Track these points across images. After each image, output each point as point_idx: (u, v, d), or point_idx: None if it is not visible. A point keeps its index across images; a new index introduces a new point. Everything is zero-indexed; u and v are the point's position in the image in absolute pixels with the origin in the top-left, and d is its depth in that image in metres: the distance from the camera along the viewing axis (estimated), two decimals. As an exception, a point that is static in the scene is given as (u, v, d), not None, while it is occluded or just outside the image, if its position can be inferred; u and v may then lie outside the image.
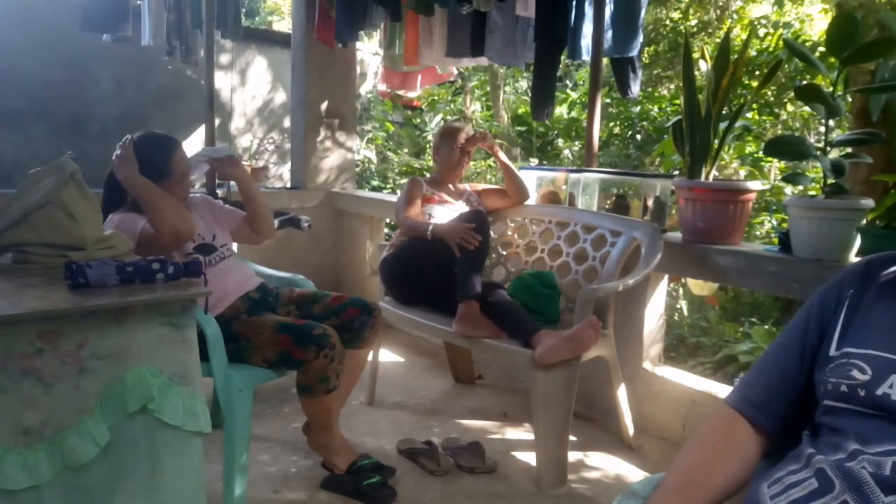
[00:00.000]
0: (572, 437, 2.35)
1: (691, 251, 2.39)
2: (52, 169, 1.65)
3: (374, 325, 2.17)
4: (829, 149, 2.10)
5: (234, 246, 2.33)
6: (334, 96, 4.39)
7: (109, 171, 2.08)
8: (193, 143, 6.88)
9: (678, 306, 4.32)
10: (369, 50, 7.94)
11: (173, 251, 2.01)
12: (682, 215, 2.47)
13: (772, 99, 5.38)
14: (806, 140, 2.17)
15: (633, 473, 2.31)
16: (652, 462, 2.39)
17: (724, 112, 2.42)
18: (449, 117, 8.17)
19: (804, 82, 4.21)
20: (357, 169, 6.20)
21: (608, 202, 2.86)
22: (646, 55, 6.66)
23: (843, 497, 0.80)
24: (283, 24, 11.66)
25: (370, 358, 2.83)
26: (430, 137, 7.75)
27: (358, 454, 2.15)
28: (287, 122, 6.95)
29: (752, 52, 5.22)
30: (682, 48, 2.54)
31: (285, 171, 7.10)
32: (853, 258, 2.04)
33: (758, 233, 4.46)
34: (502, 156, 2.85)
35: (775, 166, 4.99)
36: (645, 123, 6.32)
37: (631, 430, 2.49)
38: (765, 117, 5.39)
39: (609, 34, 3.19)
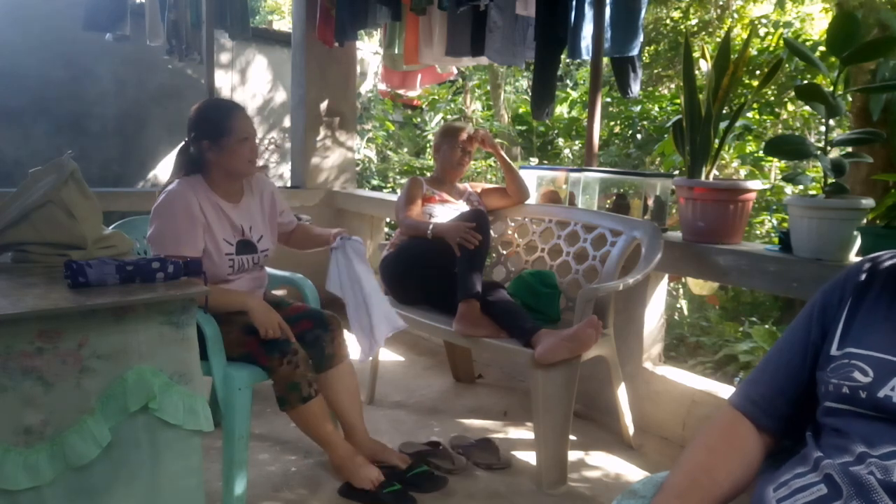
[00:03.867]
0: (572, 437, 2.35)
1: (691, 251, 2.39)
2: (52, 168, 1.65)
3: (333, 340, 2.13)
4: (829, 148, 2.10)
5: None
6: (334, 95, 4.39)
7: (183, 146, 2.10)
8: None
9: (678, 306, 4.32)
10: (369, 49, 7.95)
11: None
12: (682, 215, 2.47)
13: (772, 98, 5.38)
14: (806, 139, 2.17)
15: (633, 473, 2.31)
16: (652, 461, 2.39)
17: (724, 111, 2.42)
18: (449, 116, 8.16)
19: (804, 82, 4.21)
20: (357, 168, 6.20)
21: (608, 201, 2.86)
22: (646, 54, 6.66)
23: (850, 503, 0.80)
24: (284, 24, 11.67)
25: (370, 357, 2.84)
26: (430, 137, 7.75)
27: (380, 474, 2.06)
28: (287, 121, 6.96)
29: (753, 52, 5.22)
30: (683, 47, 2.54)
31: (286, 170, 7.11)
32: (853, 258, 2.04)
33: (758, 232, 4.46)
34: (503, 155, 2.85)
35: (776, 166, 4.99)
36: (645, 123, 6.32)
37: (631, 430, 2.49)
38: (765, 117, 5.38)
39: (609, 33, 3.19)
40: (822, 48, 4.22)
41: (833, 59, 2.14)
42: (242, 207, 2.10)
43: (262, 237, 2.15)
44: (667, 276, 2.68)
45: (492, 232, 2.70)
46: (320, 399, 2.01)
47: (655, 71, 6.95)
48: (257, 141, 2.11)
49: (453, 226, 2.44)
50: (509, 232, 2.94)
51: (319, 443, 2.07)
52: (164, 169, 6.80)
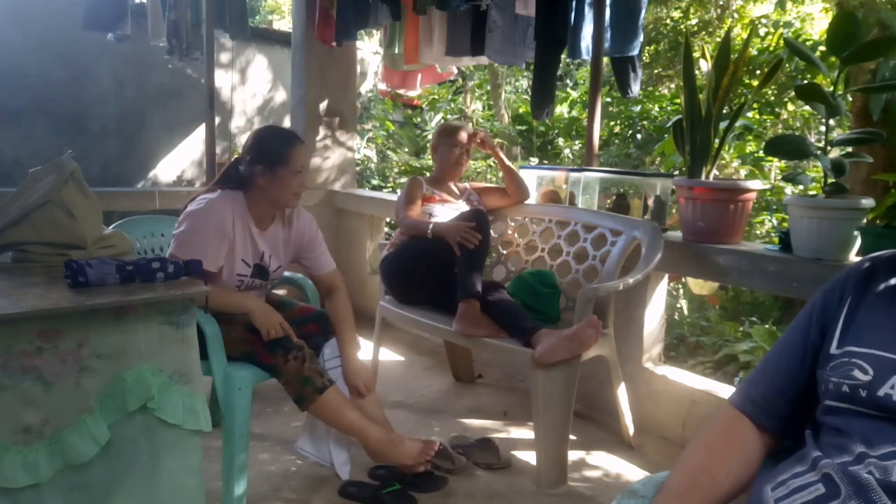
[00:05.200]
0: (572, 437, 2.35)
1: (691, 250, 2.39)
2: (52, 168, 1.65)
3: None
4: (829, 148, 2.10)
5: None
6: (334, 95, 4.38)
7: (234, 161, 2.10)
8: (194, 142, 6.88)
9: (678, 305, 4.32)
10: (369, 49, 7.95)
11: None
12: (682, 214, 2.47)
13: (772, 98, 5.39)
14: (806, 139, 2.17)
15: (633, 473, 2.31)
16: (652, 461, 2.39)
17: (724, 111, 2.42)
18: (449, 116, 8.16)
19: (805, 81, 4.21)
20: (357, 168, 6.20)
21: (608, 201, 2.86)
22: (646, 54, 6.66)
23: (849, 503, 0.80)
24: (284, 24, 11.67)
25: (371, 357, 2.84)
26: (430, 137, 7.74)
27: (430, 452, 2.06)
28: (287, 121, 6.96)
29: (753, 52, 5.22)
30: (683, 47, 2.54)
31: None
32: (853, 258, 2.04)
33: (758, 232, 4.47)
34: (502, 156, 2.85)
35: (776, 166, 5.00)
36: (645, 123, 6.33)
37: (631, 430, 2.49)
38: (765, 116, 5.39)
39: (609, 33, 3.19)
40: (822, 48, 4.22)
41: (833, 58, 2.14)
42: (269, 234, 2.11)
43: (279, 267, 2.16)
44: (667, 276, 2.68)
45: (492, 232, 2.69)
46: (336, 387, 2.00)
47: (655, 71, 6.95)
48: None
49: (453, 225, 2.43)
50: (509, 232, 2.93)
51: (348, 432, 2.04)
52: (164, 168, 6.80)
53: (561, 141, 7.38)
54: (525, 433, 2.57)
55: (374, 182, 7.71)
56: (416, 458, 2.04)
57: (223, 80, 7.03)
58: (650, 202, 2.74)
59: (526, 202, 2.92)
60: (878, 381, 0.86)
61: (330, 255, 2.28)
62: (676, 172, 3.55)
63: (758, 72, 5.18)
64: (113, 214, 2.60)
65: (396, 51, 4.26)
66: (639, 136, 6.42)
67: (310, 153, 4.35)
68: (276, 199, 2.05)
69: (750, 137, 4.90)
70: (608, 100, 6.42)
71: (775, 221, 4.30)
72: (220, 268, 1.99)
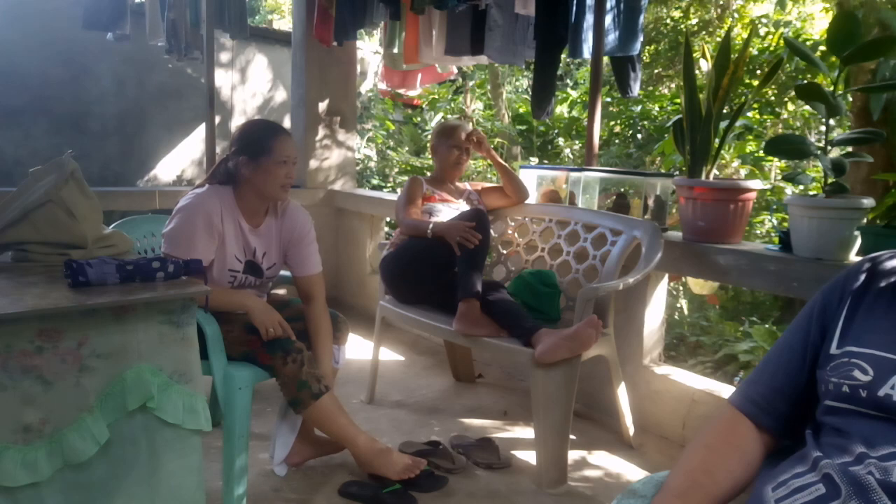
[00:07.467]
0: (572, 436, 2.35)
1: (692, 250, 2.39)
2: (53, 167, 1.65)
3: (338, 340, 2.17)
4: (829, 148, 2.10)
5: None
6: (334, 95, 4.39)
7: (223, 157, 2.09)
8: (194, 141, 6.89)
9: (678, 305, 4.32)
10: (370, 48, 7.95)
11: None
12: (682, 214, 2.47)
13: (772, 98, 5.38)
14: (806, 139, 2.17)
15: (634, 472, 2.30)
16: (652, 461, 2.39)
17: (724, 111, 2.42)
18: (450, 116, 8.16)
19: (805, 81, 4.21)
20: (357, 167, 6.20)
21: (608, 201, 2.86)
22: (646, 54, 6.66)
23: (849, 503, 0.80)
24: (284, 23, 11.67)
25: (371, 357, 2.84)
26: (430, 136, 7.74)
27: (415, 469, 2.06)
28: (287, 121, 6.96)
29: (753, 51, 5.22)
30: (683, 47, 2.54)
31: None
32: (853, 257, 2.04)
33: (758, 232, 4.47)
34: (498, 158, 2.86)
35: (776, 165, 5.00)
36: (645, 122, 6.33)
37: (631, 429, 2.49)
38: (765, 116, 5.39)
39: (610, 33, 3.19)
40: (822, 48, 4.22)
41: (833, 58, 2.14)
42: (262, 231, 2.10)
43: (273, 265, 2.15)
44: (667, 275, 2.68)
45: (492, 231, 2.69)
46: (332, 394, 2.00)
47: (655, 71, 6.95)
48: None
49: (453, 225, 2.43)
50: (509, 231, 2.93)
51: (338, 439, 2.05)
52: (164, 168, 6.80)
53: (561, 141, 7.38)
54: (525, 433, 2.57)
55: (374, 182, 7.71)
56: (401, 473, 2.05)
57: (223, 79, 7.03)
58: (650, 202, 2.74)
59: (526, 202, 2.92)
60: (878, 382, 0.86)
61: (318, 260, 2.19)
62: (676, 172, 3.55)
63: (758, 72, 5.18)
64: (113, 214, 2.60)
65: (396, 50, 4.25)
66: (639, 136, 6.43)
67: (310, 153, 4.35)
68: (263, 191, 2.03)
69: (750, 137, 4.90)
70: (608, 100, 6.42)
71: (775, 221, 4.30)
72: (211, 262, 1.99)
